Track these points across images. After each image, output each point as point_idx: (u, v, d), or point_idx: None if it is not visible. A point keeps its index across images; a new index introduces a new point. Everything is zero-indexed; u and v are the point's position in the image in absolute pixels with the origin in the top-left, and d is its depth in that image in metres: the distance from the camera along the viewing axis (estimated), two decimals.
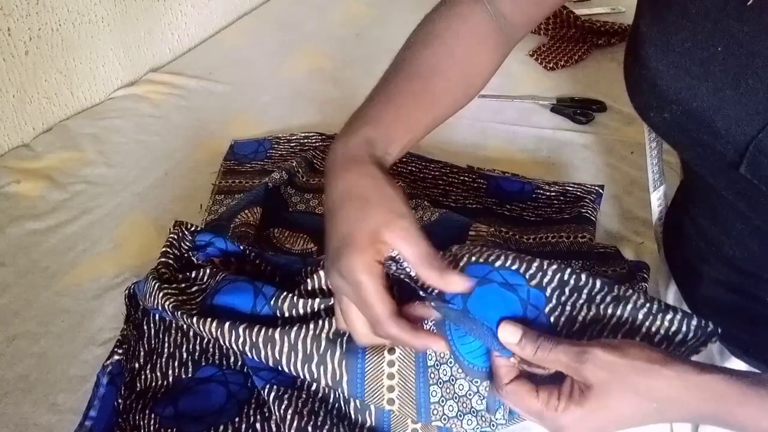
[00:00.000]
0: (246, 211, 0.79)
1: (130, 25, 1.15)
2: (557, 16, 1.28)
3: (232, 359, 0.66)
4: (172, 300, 0.62)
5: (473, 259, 0.51)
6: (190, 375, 0.65)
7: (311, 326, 0.57)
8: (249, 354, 0.58)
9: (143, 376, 0.65)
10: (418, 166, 0.95)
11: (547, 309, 0.50)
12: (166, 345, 0.67)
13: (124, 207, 0.90)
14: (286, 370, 0.57)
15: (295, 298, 0.60)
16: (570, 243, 0.78)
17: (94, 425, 0.60)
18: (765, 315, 0.55)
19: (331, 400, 0.59)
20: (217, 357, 0.67)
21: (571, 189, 0.89)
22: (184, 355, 0.67)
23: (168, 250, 0.70)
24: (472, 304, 0.48)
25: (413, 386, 0.54)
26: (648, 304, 0.49)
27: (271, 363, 0.58)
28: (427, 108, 0.57)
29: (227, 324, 0.58)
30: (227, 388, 0.64)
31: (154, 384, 0.64)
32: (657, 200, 0.68)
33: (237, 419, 0.61)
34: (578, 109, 1.08)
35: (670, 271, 0.68)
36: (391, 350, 0.55)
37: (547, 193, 0.89)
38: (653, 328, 0.48)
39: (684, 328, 0.48)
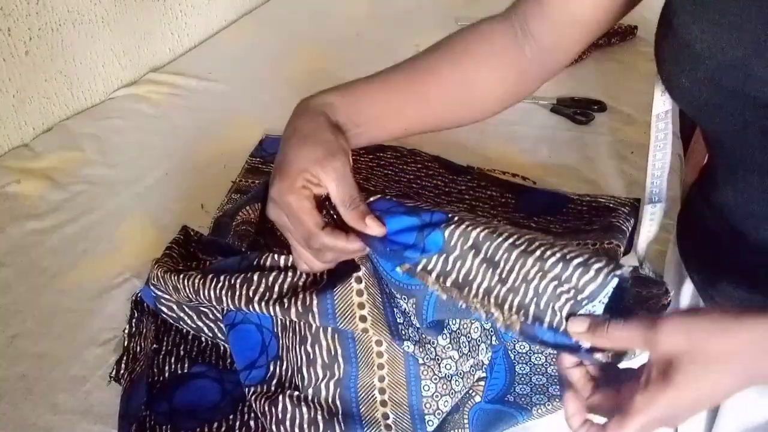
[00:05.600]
0: (247, 208, 0.79)
1: (130, 25, 1.15)
2: None
3: (228, 360, 0.66)
4: (168, 269, 0.63)
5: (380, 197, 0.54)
6: (186, 370, 0.65)
7: (290, 273, 0.58)
8: (225, 299, 0.58)
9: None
10: (444, 180, 0.93)
11: (444, 226, 0.49)
12: (164, 344, 0.68)
13: (124, 207, 0.90)
14: (257, 308, 0.56)
15: (276, 255, 0.60)
16: (595, 250, 0.72)
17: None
18: None
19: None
20: (213, 358, 0.67)
21: (603, 201, 0.85)
22: (181, 353, 0.67)
23: (173, 245, 0.70)
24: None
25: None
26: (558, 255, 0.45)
27: (243, 303, 0.57)
28: (413, 103, 0.58)
29: (210, 275, 0.60)
30: (222, 385, 0.64)
31: (151, 380, 0.65)
32: (650, 215, 0.64)
33: (231, 416, 0.61)
34: (578, 109, 1.08)
35: (685, 269, 0.66)
36: (380, 354, 0.56)
37: (579, 207, 0.85)
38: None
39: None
